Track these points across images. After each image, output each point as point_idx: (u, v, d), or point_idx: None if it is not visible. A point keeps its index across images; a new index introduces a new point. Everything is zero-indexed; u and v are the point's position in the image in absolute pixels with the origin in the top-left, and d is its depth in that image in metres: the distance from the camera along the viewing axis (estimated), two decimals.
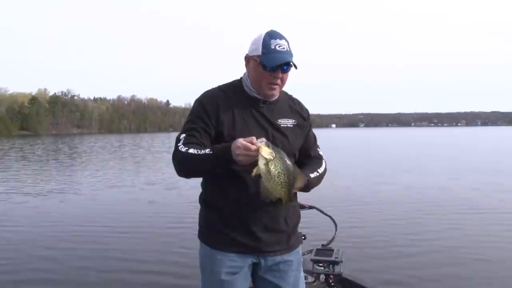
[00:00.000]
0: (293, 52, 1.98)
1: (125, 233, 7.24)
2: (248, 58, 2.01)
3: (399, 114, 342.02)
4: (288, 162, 1.76)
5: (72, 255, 5.96)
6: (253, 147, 1.73)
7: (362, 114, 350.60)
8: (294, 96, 2.20)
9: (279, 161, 1.73)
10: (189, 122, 2.01)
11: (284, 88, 2.09)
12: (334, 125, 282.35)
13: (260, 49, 1.94)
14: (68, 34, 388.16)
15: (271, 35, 1.95)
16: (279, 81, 1.97)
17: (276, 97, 2.03)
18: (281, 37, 1.96)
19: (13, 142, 51.68)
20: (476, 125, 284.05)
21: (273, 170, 1.72)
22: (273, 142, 1.88)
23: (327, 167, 2.15)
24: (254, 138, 1.76)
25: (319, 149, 2.20)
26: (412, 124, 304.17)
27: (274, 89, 1.97)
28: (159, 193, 11.60)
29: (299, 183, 1.80)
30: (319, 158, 2.17)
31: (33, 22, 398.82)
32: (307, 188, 1.96)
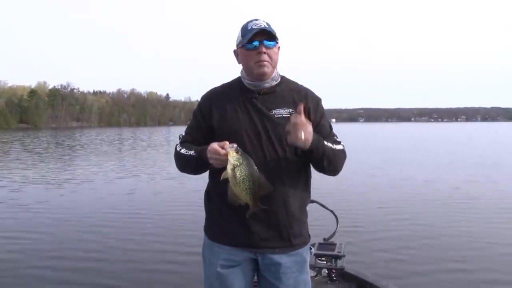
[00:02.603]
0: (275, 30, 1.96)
1: (142, 219, 7.75)
2: (236, 52, 2.04)
3: (399, 109, 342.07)
4: (255, 169, 1.78)
5: (96, 237, 6.55)
6: (222, 151, 1.77)
7: (362, 109, 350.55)
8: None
9: (245, 167, 1.75)
10: (190, 121, 2.13)
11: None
12: (334, 120, 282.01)
13: (240, 36, 1.98)
14: (68, 27, 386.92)
15: (248, 21, 1.99)
16: (265, 57, 1.93)
17: (271, 77, 1.99)
18: (258, 19, 1.99)
19: (15, 135, 51.79)
20: (476, 120, 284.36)
21: (239, 175, 1.75)
22: (265, 133, 1.92)
23: (345, 153, 2.01)
24: (226, 142, 1.78)
25: (336, 137, 2.04)
26: (412, 119, 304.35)
27: (263, 65, 1.93)
28: (170, 184, 11.87)
29: (263, 191, 1.81)
30: (336, 142, 2.00)
31: (33, 14, 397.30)
32: (313, 150, 1.84)
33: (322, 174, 2.03)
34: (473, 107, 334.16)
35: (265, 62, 1.94)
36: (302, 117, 1.77)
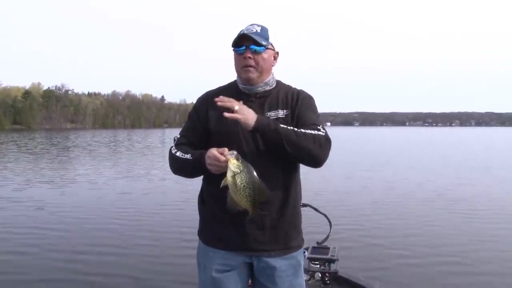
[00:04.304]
0: (268, 36, 1.97)
1: (138, 220, 7.83)
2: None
3: (394, 114, 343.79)
4: (255, 176, 1.77)
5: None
6: (222, 158, 1.75)
7: (357, 113, 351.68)
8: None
9: (246, 175, 1.74)
10: (185, 123, 2.11)
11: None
12: (329, 124, 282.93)
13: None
14: (63, 28, 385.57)
15: (247, 25, 2.00)
16: (250, 62, 1.94)
17: (261, 82, 1.99)
18: (256, 24, 1.99)
19: (10, 136, 51.52)
20: (470, 125, 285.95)
21: (239, 183, 1.74)
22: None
23: (326, 138, 1.89)
24: (226, 149, 1.77)
25: (318, 126, 1.92)
26: (407, 124, 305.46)
27: (248, 71, 1.95)
28: (166, 185, 12.06)
29: (263, 198, 1.80)
30: (313, 129, 1.90)
31: (28, 15, 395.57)
32: (266, 132, 1.81)
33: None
34: (467, 112, 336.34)
35: (250, 68, 1.95)
36: (230, 100, 1.80)
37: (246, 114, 1.79)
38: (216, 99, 1.81)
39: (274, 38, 2.03)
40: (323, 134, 1.90)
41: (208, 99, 2.06)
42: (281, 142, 1.81)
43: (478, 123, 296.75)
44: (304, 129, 1.87)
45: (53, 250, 5.91)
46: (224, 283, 1.97)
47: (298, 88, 2.12)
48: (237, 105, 1.78)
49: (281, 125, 1.84)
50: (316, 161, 1.89)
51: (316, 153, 1.86)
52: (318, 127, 1.91)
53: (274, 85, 2.05)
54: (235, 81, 2.09)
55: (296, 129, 1.86)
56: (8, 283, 4.73)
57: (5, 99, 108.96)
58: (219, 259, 1.97)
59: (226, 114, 1.77)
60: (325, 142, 1.88)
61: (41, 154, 24.46)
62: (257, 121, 1.80)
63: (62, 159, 21.66)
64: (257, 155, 1.90)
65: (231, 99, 1.81)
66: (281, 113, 1.97)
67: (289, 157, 1.89)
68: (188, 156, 1.93)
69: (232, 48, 1.99)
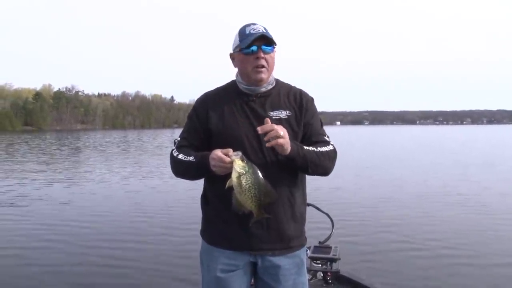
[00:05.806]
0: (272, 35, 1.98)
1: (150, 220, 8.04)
2: (232, 56, 2.05)
3: (404, 112, 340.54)
4: (261, 177, 1.77)
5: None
6: (227, 159, 1.76)
7: (366, 111, 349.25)
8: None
9: (251, 175, 1.75)
10: (185, 125, 2.12)
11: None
12: (338, 123, 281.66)
13: (238, 40, 1.98)
14: (72, 29, 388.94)
15: (245, 25, 1.99)
16: (263, 62, 1.95)
17: (267, 82, 2.01)
18: (256, 23, 1.99)
19: (22, 138, 52.21)
20: (482, 123, 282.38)
21: (244, 184, 1.75)
22: (265, 136, 1.89)
23: (335, 152, 2.02)
24: (230, 150, 1.78)
25: (326, 137, 2.05)
26: (417, 122, 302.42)
27: (260, 71, 1.95)
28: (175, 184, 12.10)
29: (268, 199, 1.82)
30: (324, 142, 2.02)
31: (38, 17, 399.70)
32: (295, 159, 1.86)
33: (317, 177, 2.07)
34: (479, 110, 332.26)
35: (262, 68, 1.95)
36: (274, 126, 1.79)
37: (288, 139, 1.81)
38: (259, 128, 1.79)
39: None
40: (333, 148, 2.02)
41: (207, 100, 2.08)
42: (306, 165, 1.91)
43: (490, 121, 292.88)
44: (319, 145, 1.96)
45: (54, 248, 6.09)
46: (229, 283, 1.98)
47: (295, 86, 2.13)
48: (281, 131, 1.79)
49: (305, 148, 1.90)
50: (326, 174, 2.02)
51: (329, 167, 2.00)
52: (327, 139, 2.04)
53: (274, 84, 2.07)
54: (233, 81, 2.09)
55: (315, 149, 1.93)
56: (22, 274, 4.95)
57: (16, 101, 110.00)
58: (224, 258, 1.98)
59: (268, 144, 1.78)
60: (335, 156, 2.02)
61: (54, 154, 24.93)
62: (292, 149, 1.83)
63: (74, 159, 22.12)
64: (261, 156, 1.92)
65: (274, 125, 1.79)
66: (283, 114, 1.98)
67: (304, 173, 2.00)
68: (191, 158, 1.94)
69: (238, 48, 1.97)
